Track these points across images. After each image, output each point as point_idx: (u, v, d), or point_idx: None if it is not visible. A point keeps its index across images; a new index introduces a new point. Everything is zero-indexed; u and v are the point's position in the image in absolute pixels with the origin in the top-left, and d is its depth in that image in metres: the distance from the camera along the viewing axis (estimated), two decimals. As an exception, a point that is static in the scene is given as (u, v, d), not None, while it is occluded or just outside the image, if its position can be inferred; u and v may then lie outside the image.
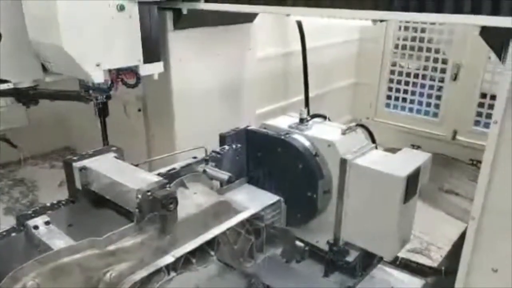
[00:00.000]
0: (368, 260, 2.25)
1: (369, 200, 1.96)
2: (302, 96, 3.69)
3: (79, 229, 1.49)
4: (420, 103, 4.09)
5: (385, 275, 2.37)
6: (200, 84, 2.88)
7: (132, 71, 2.25)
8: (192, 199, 1.56)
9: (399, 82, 4.17)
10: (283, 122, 2.26)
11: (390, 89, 4.26)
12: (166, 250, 1.34)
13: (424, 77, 3.99)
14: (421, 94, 4.07)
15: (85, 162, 1.58)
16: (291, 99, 3.74)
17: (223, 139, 2.14)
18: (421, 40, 3.93)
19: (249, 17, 2.97)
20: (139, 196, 1.33)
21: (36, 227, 1.38)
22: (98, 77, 2.10)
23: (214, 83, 2.97)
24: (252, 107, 3.31)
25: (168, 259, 1.30)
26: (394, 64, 4.18)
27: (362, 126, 2.24)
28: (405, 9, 1.62)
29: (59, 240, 1.32)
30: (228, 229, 1.50)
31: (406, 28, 4.01)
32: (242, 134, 2.22)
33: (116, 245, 1.27)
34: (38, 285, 1.12)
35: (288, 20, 3.41)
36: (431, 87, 3.97)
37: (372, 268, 2.31)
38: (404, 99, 4.19)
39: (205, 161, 1.94)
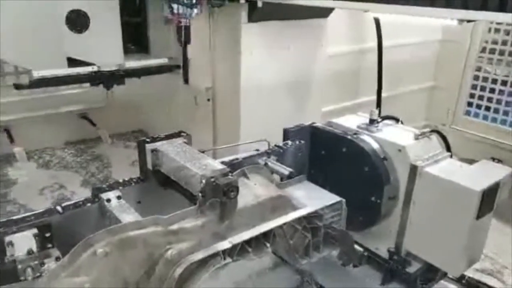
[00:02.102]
0: (431, 274, 2.11)
1: (438, 211, 1.83)
2: (371, 97, 3.54)
3: (146, 206, 1.58)
4: (506, 113, 3.74)
5: (448, 293, 2.22)
6: (268, 78, 2.89)
7: None
8: (252, 190, 1.57)
9: (483, 88, 3.84)
10: (350, 122, 2.19)
11: (472, 95, 3.95)
12: (224, 236, 1.37)
13: (513, 85, 3.64)
14: (508, 104, 3.72)
15: (157, 145, 1.66)
16: (359, 99, 3.62)
17: (286, 134, 2.13)
18: (514, 44, 3.57)
19: (324, 12, 2.91)
20: (203, 181, 1.38)
21: (108, 200, 1.49)
22: None
23: (282, 78, 2.97)
24: (318, 104, 3.25)
25: (225, 244, 1.32)
26: (478, 69, 3.86)
27: (438, 132, 2.09)
28: (501, 8, 1.47)
29: (127, 215, 1.42)
30: (285, 224, 1.49)
31: (497, 30, 3.66)
32: (306, 130, 2.19)
33: (178, 225, 1.33)
34: (107, 253, 1.20)
35: (364, 16, 3.29)
36: (521, 96, 3.61)
37: (433, 283, 2.17)
38: (488, 108, 3.86)
39: (267, 154, 1.94)
